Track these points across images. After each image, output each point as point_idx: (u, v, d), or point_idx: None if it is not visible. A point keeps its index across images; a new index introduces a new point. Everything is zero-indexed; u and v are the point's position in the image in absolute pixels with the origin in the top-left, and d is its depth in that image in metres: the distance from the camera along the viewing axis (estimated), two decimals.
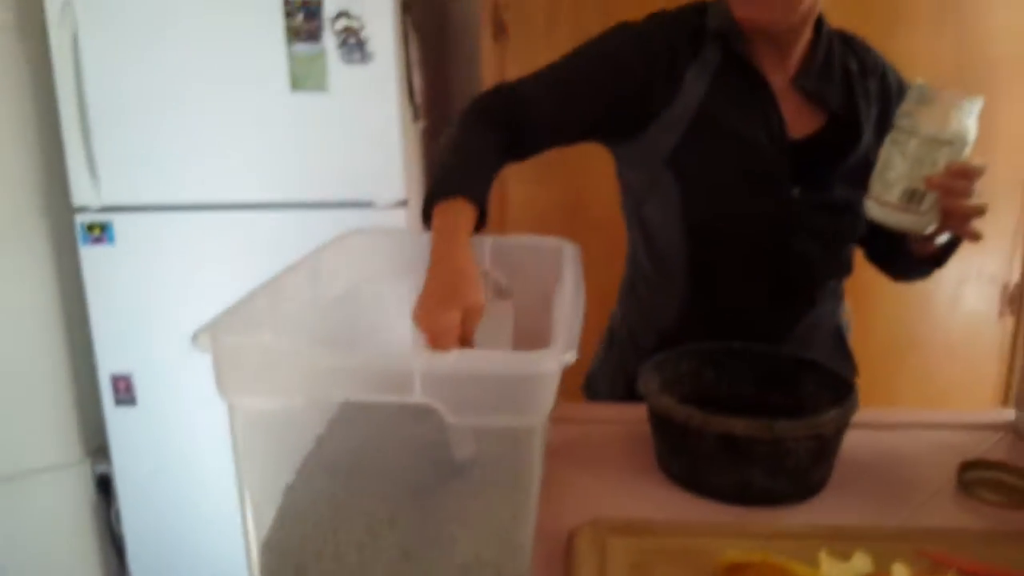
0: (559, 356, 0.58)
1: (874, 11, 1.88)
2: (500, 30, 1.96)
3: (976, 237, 0.92)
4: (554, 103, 1.05)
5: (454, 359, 0.57)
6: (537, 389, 0.58)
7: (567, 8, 1.94)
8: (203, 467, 2.00)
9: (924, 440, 1.00)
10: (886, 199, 0.90)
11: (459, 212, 0.85)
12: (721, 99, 1.05)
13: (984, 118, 1.97)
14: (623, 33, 1.09)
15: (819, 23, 1.09)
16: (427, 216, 0.88)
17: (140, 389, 2.00)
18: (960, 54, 1.90)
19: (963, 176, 0.87)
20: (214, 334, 0.59)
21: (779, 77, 1.08)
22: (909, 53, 1.89)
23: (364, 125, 1.81)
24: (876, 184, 0.91)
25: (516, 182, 2.04)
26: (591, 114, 1.07)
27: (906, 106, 0.89)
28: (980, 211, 0.89)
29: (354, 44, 1.72)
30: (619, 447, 0.99)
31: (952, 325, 2.08)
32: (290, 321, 0.76)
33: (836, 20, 1.88)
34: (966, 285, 2.05)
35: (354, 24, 1.70)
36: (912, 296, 2.05)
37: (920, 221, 0.90)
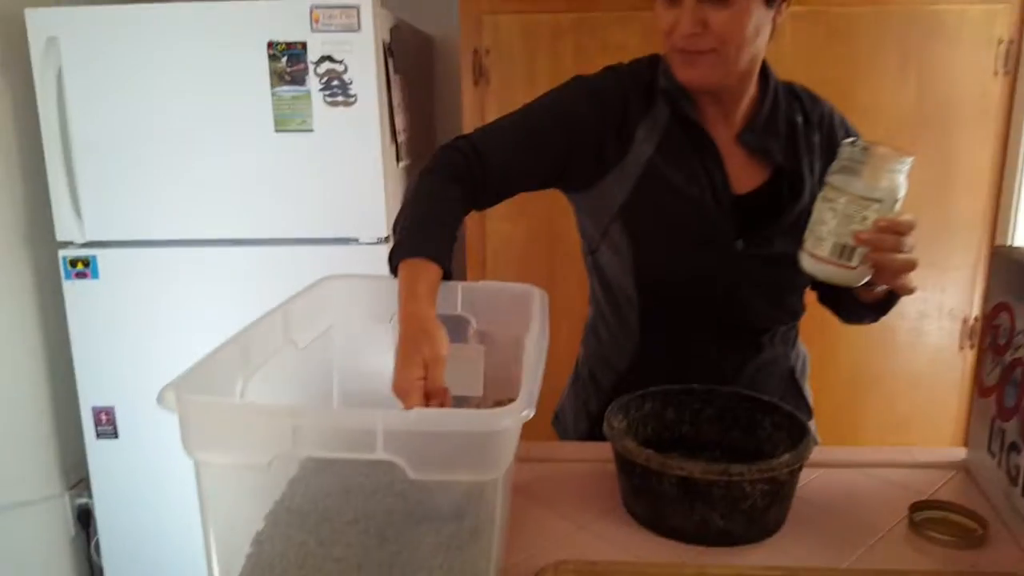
0: (518, 414, 0.61)
1: (842, 60, 1.95)
2: (480, 75, 2.02)
3: (908, 291, 0.96)
4: (511, 156, 1.09)
5: (414, 417, 0.61)
6: (496, 445, 0.61)
7: (545, 55, 2.01)
8: (183, 499, 2.02)
9: (878, 479, 1.04)
10: (818, 253, 0.93)
11: (421, 270, 0.90)
12: (668, 157, 1.09)
13: (945, 158, 2.05)
14: (579, 87, 1.14)
15: (765, 78, 1.13)
16: (394, 268, 0.93)
17: (122, 421, 2.02)
18: (923, 98, 1.97)
19: (892, 231, 0.89)
20: (179, 393, 0.61)
21: (725, 133, 1.12)
22: (875, 99, 1.96)
23: (348, 164, 1.86)
24: (809, 238, 0.94)
25: (494, 219, 2.09)
26: (547, 166, 1.11)
27: (837, 164, 0.92)
28: (910, 266, 0.92)
29: (337, 87, 1.77)
30: (587, 486, 1.02)
31: (915, 358, 2.13)
32: (262, 373, 0.79)
33: (805, 70, 1.96)
34: (927, 320, 2.10)
35: (337, 68, 1.75)
36: (875, 330, 2.09)
37: (851, 275, 0.93)
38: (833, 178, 0.92)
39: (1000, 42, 1.95)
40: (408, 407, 0.77)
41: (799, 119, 1.14)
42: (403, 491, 0.79)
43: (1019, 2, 1.94)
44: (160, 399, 0.61)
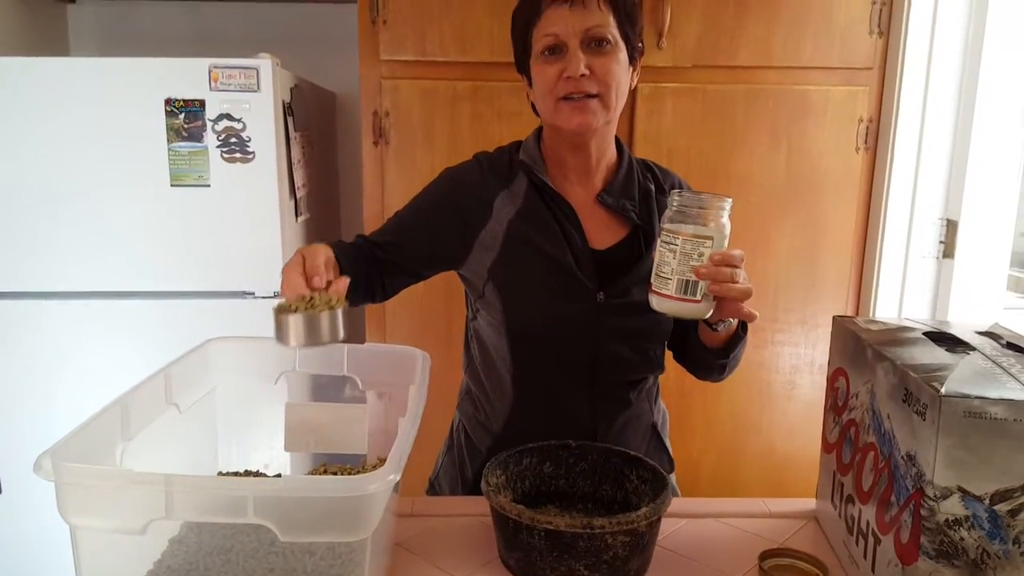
0: (384, 479, 0.66)
1: (718, 134, 2.11)
2: (380, 135, 2.08)
3: (750, 317, 1.07)
4: (396, 243, 1.23)
5: (283, 484, 0.65)
6: (363, 508, 0.65)
7: (443, 119, 2.08)
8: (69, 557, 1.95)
9: (736, 529, 1.12)
10: (664, 292, 1.02)
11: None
12: (528, 219, 1.20)
13: (813, 225, 2.21)
14: (443, 177, 1.28)
15: (622, 151, 1.27)
16: None
17: (6, 476, 1.95)
18: (792, 170, 2.14)
19: (725, 263, 1.00)
20: (55, 460, 0.63)
21: (584, 196, 1.24)
22: (748, 170, 2.12)
23: (245, 218, 1.88)
24: (655, 280, 1.04)
25: None
26: (424, 247, 1.23)
27: (670, 211, 1.03)
28: (747, 293, 1.03)
29: (235, 144, 1.79)
30: (466, 540, 1.06)
31: (789, 409, 2.28)
32: (144, 436, 0.80)
33: (685, 142, 2.11)
34: (800, 373, 2.26)
35: (236, 126, 1.78)
36: (753, 383, 2.25)
37: (697, 308, 1.02)
38: (669, 224, 1.03)
39: (861, 121, 2.14)
40: (285, 289, 0.95)
41: (651, 186, 1.27)
42: (283, 551, 0.82)
43: (877, 85, 2.14)
44: (36, 467, 0.63)
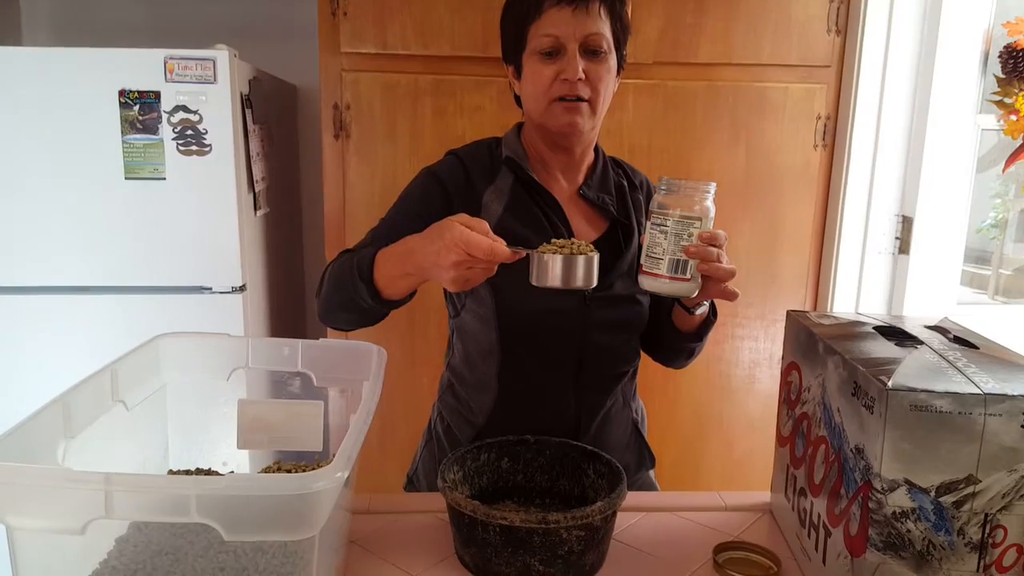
0: (331, 476, 0.65)
1: (678, 130, 2.13)
2: (340, 129, 2.06)
3: (733, 296, 1.11)
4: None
5: (226, 482, 0.63)
6: (309, 507, 0.65)
7: (405, 113, 2.07)
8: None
9: (692, 522, 1.13)
10: (657, 272, 1.07)
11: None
12: (516, 214, 1.21)
13: (771, 220, 2.23)
14: (422, 176, 1.26)
15: (596, 148, 1.30)
16: (367, 278, 1.07)
17: None
18: (751, 166, 2.16)
19: (713, 242, 1.05)
20: None
21: (566, 191, 1.27)
22: (709, 166, 2.14)
23: (202, 212, 1.85)
24: (647, 261, 1.08)
25: None
26: None
27: (659, 196, 1.07)
28: (732, 272, 1.07)
29: (192, 136, 1.76)
30: (423, 537, 1.06)
31: (749, 403, 2.31)
32: (88, 434, 0.78)
33: (646, 138, 2.12)
34: (759, 368, 2.29)
35: (192, 118, 1.75)
36: (713, 378, 2.27)
37: (687, 286, 1.07)
38: (658, 208, 1.07)
39: (819, 118, 2.17)
40: (474, 247, 0.94)
41: (624, 182, 1.31)
42: (234, 549, 0.80)
43: (835, 83, 2.17)
44: None
